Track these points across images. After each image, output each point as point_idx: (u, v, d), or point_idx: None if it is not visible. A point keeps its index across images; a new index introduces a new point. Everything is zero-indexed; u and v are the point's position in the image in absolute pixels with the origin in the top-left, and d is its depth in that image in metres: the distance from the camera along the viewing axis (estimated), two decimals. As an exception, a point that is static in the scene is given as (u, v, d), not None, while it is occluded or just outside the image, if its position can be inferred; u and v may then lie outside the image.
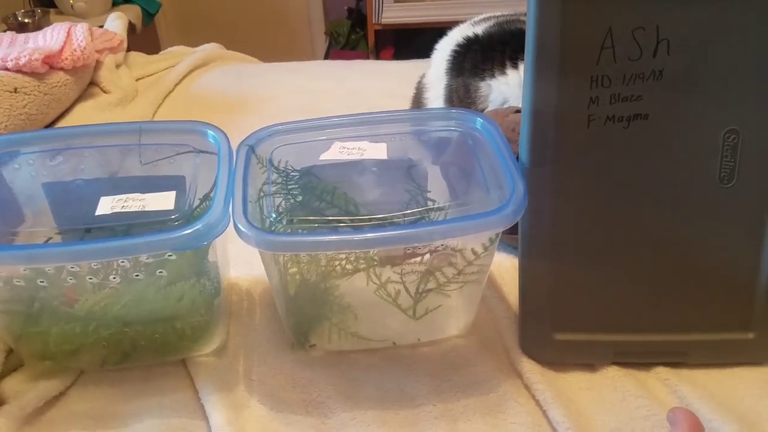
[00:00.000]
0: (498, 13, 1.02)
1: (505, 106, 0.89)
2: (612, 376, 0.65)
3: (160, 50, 1.66)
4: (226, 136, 0.67)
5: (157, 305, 0.62)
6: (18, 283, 0.58)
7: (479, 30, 0.97)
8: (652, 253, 0.62)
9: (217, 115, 1.22)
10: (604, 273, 0.63)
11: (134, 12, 2.36)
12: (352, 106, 1.25)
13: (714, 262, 0.62)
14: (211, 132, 0.68)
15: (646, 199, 0.60)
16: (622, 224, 0.61)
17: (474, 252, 0.61)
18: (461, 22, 1.07)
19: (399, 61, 1.56)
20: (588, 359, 0.66)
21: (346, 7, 2.98)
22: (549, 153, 0.58)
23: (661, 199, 0.60)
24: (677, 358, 0.66)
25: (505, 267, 0.80)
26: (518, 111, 0.81)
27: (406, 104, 1.17)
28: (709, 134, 0.58)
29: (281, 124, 0.69)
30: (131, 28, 1.99)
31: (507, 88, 0.89)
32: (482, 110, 0.92)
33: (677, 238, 0.62)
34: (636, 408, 0.62)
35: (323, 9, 3.04)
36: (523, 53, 0.87)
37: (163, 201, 0.61)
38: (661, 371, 0.66)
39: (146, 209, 0.60)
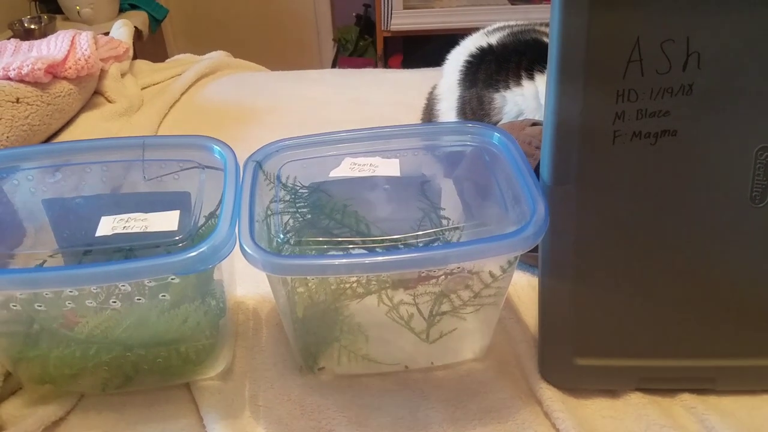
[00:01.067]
0: (512, 23, 1.00)
1: (521, 119, 0.86)
2: (635, 403, 0.63)
3: (167, 56, 1.65)
4: (233, 152, 0.64)
5: (160, 328, 0.60)
6: (14, 307, 0.55)
7: (493, 40, 0.94)
8: (679, 275, 0.59)
9: (224, 126, 1.20)
10: (629, 295, 0.60)
11: (141, 18, 2.35)
12: (360, 116, 1.24)
13: (744, 284, 0.60)
14: (217, 147, 0.65)
15: (674, 219, 0.57)
16: (648, 245, 0.58)
17: (492, 275, 0.58)
18: (470, 29, 1.04)
19: (408, 70, 1.54)
20: (610, 385, 0.64)
21: (354, 14, 2.96)
22: (572, 170, 0.56)
23: (689, 220, 0.57)
24: (704, 384, 0.63)
25: (522, 286, 0.77)
26: (535, 124, 0.78)
27: (416, 113, 1.14)
28: (741, 152, 0.55)
29: (289, 138, 0.66)
30: (138, 34, 1.98)
31: (522, 99, 0.86)
32: (496, 122, 0.89)
33: (706, 259, 0.59)
34: (661, 438, 0.59)
35: (331, 15, 3.02)
36: (540, 64, 0.86)
37: (166, 221, 0.58)
38: (687, 398, 0.63)
39: (148, 230, 0.57)
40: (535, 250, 0.60)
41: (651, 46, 0.52)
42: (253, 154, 0.65)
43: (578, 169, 0.56)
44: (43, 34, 1.96)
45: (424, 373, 0.67)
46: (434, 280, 0.59)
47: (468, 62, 0.94)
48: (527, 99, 0.86)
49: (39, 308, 0.56)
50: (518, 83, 0.87)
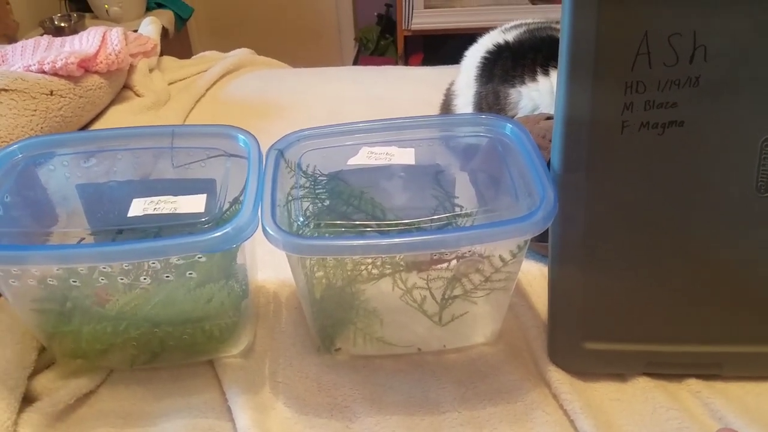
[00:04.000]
0: (529, 20, 1.02)
1: (536, 113, 0.88)
2: (642, 387, 0.64)
3: (192, 54, 1.68)
4: (257, 141, 0.67)
5: (186, 306, 0.63)
6: (51, 283, 0.59)
7: (510, 37, 0.96)
8: (686, 262, 0.61)
9: (247, 120, 1.23)
10: (637, 281, 0.62)
11: (167, 17, 2.40)
12: (380, 112, 1.25)
13: (750, 272, 0.61)
14: (242, 136, 0.68)
15: (681, 207, 0.59)
16: (656, 232, 0.60)
17: (502, 259, 0.60)
18: (491, 28, 1.06)
19: (428, 67, 1.56)
20: (618, 369, 0.65)
21: (375, 13, 2.99)
22: (582, 159, 0.58)
23: (696, 208, 0.59)
24: (711, 370, 0.64)
25: (533, 275, 0.79)
26: (549, 118, 0.80)
27: (435, 110, 1.17)
28: (747, 142, 0.57)
29: (310, 128, 0.69)
30: (164, 32, 2.02)
31: (537, 94, 0.88)
32: (512, 117, 0.91)
33: (712, 247, 0.60)
34: (666, 420, 0.61)
35: (353, 15, 3.05)
36: (555, 60, 0.87)
37: (194, 204, 0.61)
38: (693, 383, 0.64)
39: (177, 212, 0.61)
40: (545, 239, 0.62)
41: (659, 39, 0.53)
42: (275, 143, 0.67)
43: (587, 157, 0.58)
44: (73, 31, 2.01)
45: (437, 355, 0.69)
46: (446, 264, 0.61)
47: (485, 58, 0.96)
48: (542, 94, 0.88)
49: (74, 284, 0.59)
50: (534, 79, 0.89)
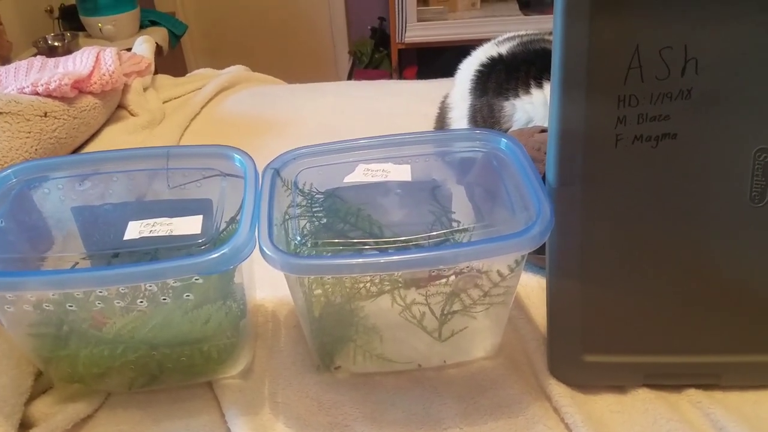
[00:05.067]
0: (522, 32, 1.02)
1: (530, 126, 0.88)
2: (643, 398, 0.64)
3: (187, 71, 1.69)
4: (252, 160, 0.67)
5: (183, 328, 0.62)
6: (47, 308, 0.59)
7: (503, 50, 0.97)
8: (682, 273, 0.61)
9: (243, 137, 1.23)
10: (635, 293, 0.62)
11: (161, 34, 2.41)
12: (375, 126, 1.26)
13: (746, 282, 0.61)
14: (238, 156, 0.68)
15: (676, 219, 0.59)
16: (652, 244, 0.60)
17: (500, 274, 0.60)
18: (484, 40, 1.07)
19: (422, 81, 1.57)
20: (618, 381, 0.65)
21: (369, 27, 3.00)
22: (576, 172, 0.58)
23: (691, 219, 0.59)
24: (710, 380, 0.64)
25: (532, 287, 0.79)
26: (543, 131, 0.80)
27: (431, 123, 1.17)
28: (740, 154, 0.57)
29: (306, 147, 0.69)
30: (158, 50, 2.03)
31: (531, 107, 0.89)
32: (506, 130, 0.91)
33: (708, 258, 0.60)
34: (668, 432, 0.61)
35: (347, 29, 3.07)
36: (548, 73, 0.88)
37: (190, 225, 0.61)
38: (693, 394, 0.64)
39: (173, 233, 0.61)
40: (543, 251, 0.62)
41: (650, 53, 0.54)
42: (271, 162, 0.68)
43: (582, 171, 0.58)
44: (67, 51, 2.02)
45: (437, 371, 0.69)
46: (445, 280, 0.61)
47: (479, 71, 0.97)
48: (536, 107, 0.88)
49: (70, 308, 0.59)
50: (527, 92, 0.89)
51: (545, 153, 0.75)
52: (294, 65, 3.12)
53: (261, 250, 0.56)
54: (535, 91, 0.89)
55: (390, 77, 2.70)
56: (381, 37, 2.96)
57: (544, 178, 0.61)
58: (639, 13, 0.53)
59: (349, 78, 2.96)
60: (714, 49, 0.54)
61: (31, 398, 0.65)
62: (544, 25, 1.04)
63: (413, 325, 0.65)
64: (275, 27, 3.08)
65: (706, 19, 0.53)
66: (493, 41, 1.03)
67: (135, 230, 0.61)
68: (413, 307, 0.64)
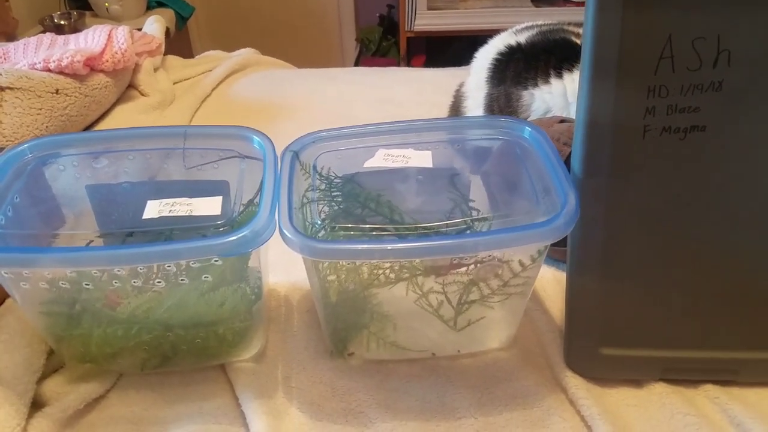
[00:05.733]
0: (540, 22, 1.01)
1: (548, 116, 0.87)
2: (659, 392, 0.64)
3: (193, 54, 1.67)
4: (272, 142, 0.66)
5: (199, 309, 0.62)
6: (63, 285, 0.58)
7: (522, 38, 0.96)
8: (704, 267, 0.61)
9: (254, 120, 1.22)
10: (656, 287, 0.62)
11: (168, 16, 2.39)
12: (385, 113, 1.25)
13: (769, 278, 0.61)
14: (257, 138, 0.67)
15: (701, 212, 0.58)
16: (676, 238, 0.60)
17: (521, 264, 0.60)
18: (493, 30, 1.06)
19: (431, 69, 1.55)
20: (635, 375, 0.65)
21: (377, 14, 2.98)
22: (603, 163, 0.57)
23: (716, 213, 0.58)
24: (727, 376, 0.64)
25: (548, 279, 0.78)
26: (563, 121, 0.80)
27: (440, 111, 1.16)
28: (769, 148, 0.56)
29: (325, 130, 0.68)
30: (165, 31, 2.01)
31: (550, 97, 0.88)
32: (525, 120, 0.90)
33: (732, 253, 0.60)
34: (684, 426, 0.60)
35: (355, 15, 3.05)
36: (568, 63, 0.87)
37: (210, 206, 0.60)
38: (710, 389, 0.64)
39: (193, 214, 0.60)
40: (562, 244, 0.62)
41: (682, 43, 0.53)
42: (290, 144, 0.67)
43: (609, 162, 0.57)
44: (73, 29, 2.00)
45: (451, 360, 0.69)
46: (465, 269, 0.60)
47: (496, 60, 0.96)
48: (555, 97, 0.88)
49: (86, 287, 0.58)
50: (547, 81, 0.88)
51: (564, 143, 0.75)
52: (300, 51, 3.10)
53: (281, 233, 0.55)
54: (554, 81, 0.88)
55: (398, 66, 2.69)
56: (389, 24, 2.93)
57: (568, 168, 0.60)
58: (672, 2, 0.52)
59: (356, 65, 2.94)
60: (747, 41, 0.53)
61: (43, 377, 0.64)
62: (555, 17, 1.03)
63: (428, 313, 0.65)
64: (281, 12, 3.06)
65: (740, 10, 0.52)
66: (510, 30, 1.02)
67: (154, 209, 0.60)
68: (430, 296, 0.63)
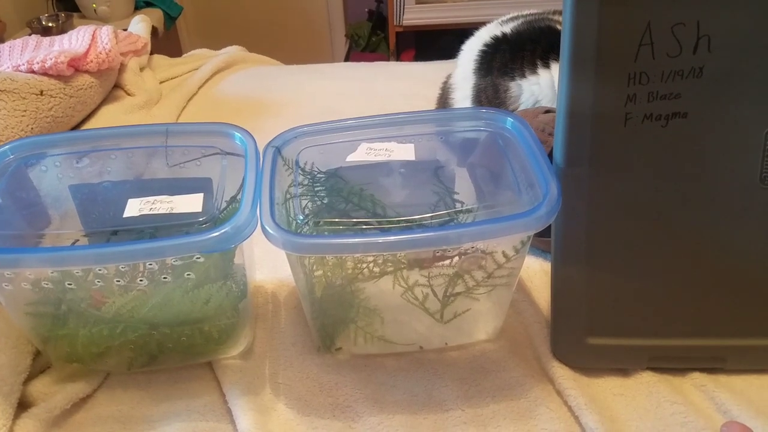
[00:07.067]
0: (525, 12, 1.01)
1: (535, 107, 0.87)
2: (647, 381, 0.64)
3: (182, 53, 1.67)
4: (253, 138, 0.66)
5: (184, 308, 0.61)
6: (46, 286, 0.58)
7: (507, 29, 0.95)
8: (689, 255, 0.61)
9: (241, 118, 1.22)
10: (640, 276, 0.62)
11: (156, 15, 2.38)
12: (375, 108, 1.25)
13: (753, 264, 0.61)
14: (238, 134, 0.67)
15: (684, 200, 0.58)
16: (659, 226, 0.60)
17: (505, 255, 0.59)
18: (483, 23, 1.05)
19: (420, 63, 1.55)
20: (622, 364, 0.65)
21: (366, 9, 2.97)
22: (585, 152, 0.57)
23: (699, 200, 0.58)
24: (714, 363, 0.64)
25: (534, 270, 0.78)
26: (548, 111, 0.79)
27: (429, 104, 1.16)
28: (751, 134, 0.56)
29: (307, 125, 0.68)
30: (153, 31, 2.00)
31: (538, 88, 0.87)
32: (512, 111, 0.90)
33: (716, 240, 0.60)
34: (671, 415, 0.60)
35: (344, 11, 3.04)
36: (554, 52, 0.87)
37: (191, 203, 0.60)
38: (698, 377, 0.64)
39: (174, 211, 0.59)
40: (547, 234, 0.61)
41: (662, 29, 0.53)
42: (272, 140, 0.66)
43: (590, 151, 0.57)
44: (61, 31, 1.99)
45: (438, 353, 0.69)
46: (449, 261, 0.60)
47: (483, 51, 0.95)
48: (543, 88, 0.87)
49: (69, 287, 0.58)
50: (534, 72, 0.88)
51: (549, 134, 0.75)
52: (289, 48, 3.09)
53: (263, 228, 0.55)
54: (541, 72, 0.87)
55: (387, 61, 2.68)
56: (378, 19, 2.93)
57: (550, 157, 0.60)
58: (651, -11, 0.52)
59: (346, 61, 2.93)
60: (727, 26, 0.53)
61: (30, 378, 0.64)
62: (547, 6, 1.02)
63: (415, 306, 0.64)
64: (270, 9, 3.05)
65: (720, -5, 0.52)
66: (496, 21, 1.02)
67: (135, 208, 0.60)
68: (415, 289, 0.63)
